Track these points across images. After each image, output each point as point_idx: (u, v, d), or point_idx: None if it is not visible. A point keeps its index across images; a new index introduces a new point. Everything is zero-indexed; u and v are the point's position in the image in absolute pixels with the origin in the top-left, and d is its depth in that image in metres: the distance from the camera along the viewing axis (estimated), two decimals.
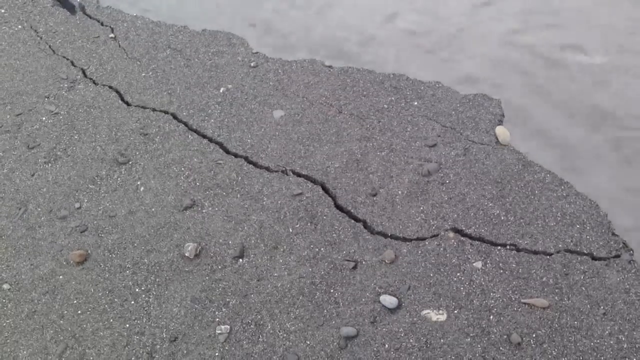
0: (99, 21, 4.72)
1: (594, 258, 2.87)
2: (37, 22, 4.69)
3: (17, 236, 3.16)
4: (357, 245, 3.01)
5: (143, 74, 4.19)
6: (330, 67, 4.22)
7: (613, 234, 2.99)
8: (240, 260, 2.99)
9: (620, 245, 2.92)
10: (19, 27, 4.63)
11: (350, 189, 3.30)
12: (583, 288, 2.74)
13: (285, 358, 2.59)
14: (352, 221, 3.13)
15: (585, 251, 2.90)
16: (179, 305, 2.82)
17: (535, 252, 2.92)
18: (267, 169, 3.45)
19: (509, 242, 2.97)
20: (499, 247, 2.95)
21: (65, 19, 4.71)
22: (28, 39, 4.52)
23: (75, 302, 2.86)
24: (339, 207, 3.22)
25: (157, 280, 2.93)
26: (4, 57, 4.36)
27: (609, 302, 2.68)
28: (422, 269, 2.88)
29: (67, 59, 4.33)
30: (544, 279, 2.79)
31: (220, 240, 3.08)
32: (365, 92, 3.94)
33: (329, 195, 3.29)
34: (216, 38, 4.51)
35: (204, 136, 3.69)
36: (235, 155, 3.54)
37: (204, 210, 3.23)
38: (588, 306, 2.67)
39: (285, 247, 3.03)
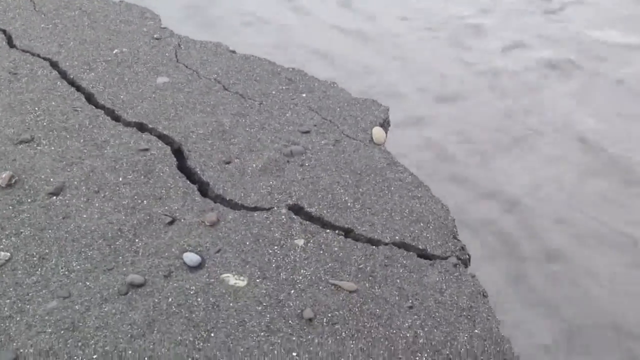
0: None
1: (420, 255, 2.66)
2: None
3: None
4: (183, 203, 2.81)
5: (42, 25, 4.06)
6: (234, 52, 4.12)
7: (455, 237, 2.79)
8: (54, 197, 2.77)
9: (458, 248, 2.72)
10: None
11: (205, 153, 3.12)
12: (398, 280, 2.52)
13: (55, 293, 2.34)
14: (188, 182, 2.94)
15: (419, 247, 2.69)
16: None
17: (364, 240, 2.71)
18: (124, 122, 3.28)
19: (345, 226, 2.76)
20: (328, 230, 2.74)
21: None
22: None
23: None
24: (182, 169, 3.03)
25: None
26: None
27: (418, 298, 2.44)
28: (240, 237, 2.66)
29: None
30: (362, 265, 2.56)
31: (42, 177, 2.87)
32: (258, 78, 3.82)
33: (182, 156, 3.11)
34: (130, 10, 4.42)
35: (77, 86, 3.53)
36: (96, 106, 3.37)
37: (38, 147, 3.03)
38: (397, 298, 2.44)
39: (107, 193, 2.82)
